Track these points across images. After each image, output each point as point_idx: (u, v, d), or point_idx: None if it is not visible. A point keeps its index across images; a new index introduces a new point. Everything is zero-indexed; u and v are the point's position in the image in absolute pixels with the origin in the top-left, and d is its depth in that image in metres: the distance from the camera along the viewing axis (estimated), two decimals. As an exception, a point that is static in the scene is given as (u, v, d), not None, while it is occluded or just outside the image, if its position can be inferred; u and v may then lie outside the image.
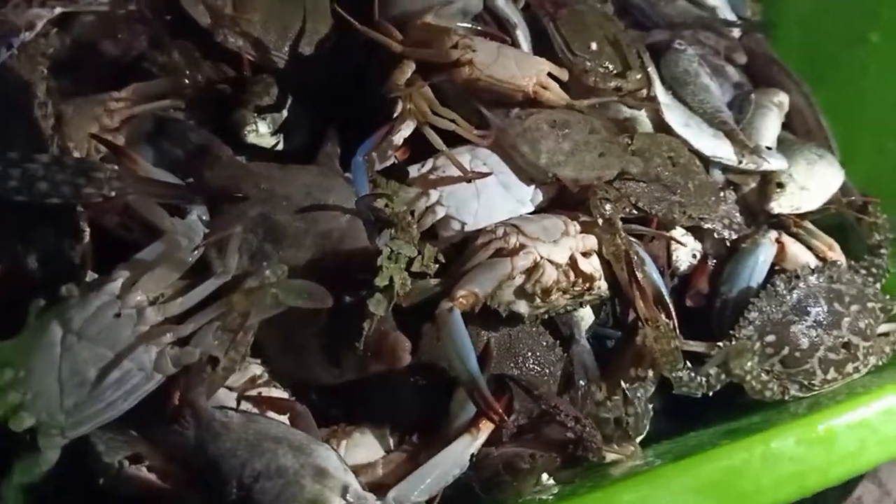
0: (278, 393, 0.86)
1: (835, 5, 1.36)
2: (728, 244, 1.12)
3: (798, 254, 1.12)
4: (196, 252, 0.81)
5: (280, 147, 1.00)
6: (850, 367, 1.03)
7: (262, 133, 0.99)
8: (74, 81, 1.00)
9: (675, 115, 1.12)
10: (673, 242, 1.10)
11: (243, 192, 0.90)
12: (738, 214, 1.14)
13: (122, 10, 1.00)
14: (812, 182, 1.17)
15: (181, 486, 0.77)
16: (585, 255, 0.94)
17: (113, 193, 0.81)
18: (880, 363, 1.07)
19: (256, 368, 0.87)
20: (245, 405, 0.83)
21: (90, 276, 0.87)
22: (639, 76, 1.10)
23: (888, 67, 1.28)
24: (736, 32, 1.37)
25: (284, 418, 0.82)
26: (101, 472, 0.77)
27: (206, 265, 0.84)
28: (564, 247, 0.92)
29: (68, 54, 1.00)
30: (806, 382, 1.02)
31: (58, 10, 0.93)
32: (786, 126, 1.32)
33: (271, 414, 0.82)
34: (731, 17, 1.38)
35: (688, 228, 1.11)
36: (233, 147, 0.97)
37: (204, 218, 0.87)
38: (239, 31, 1.00)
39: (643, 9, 1.30)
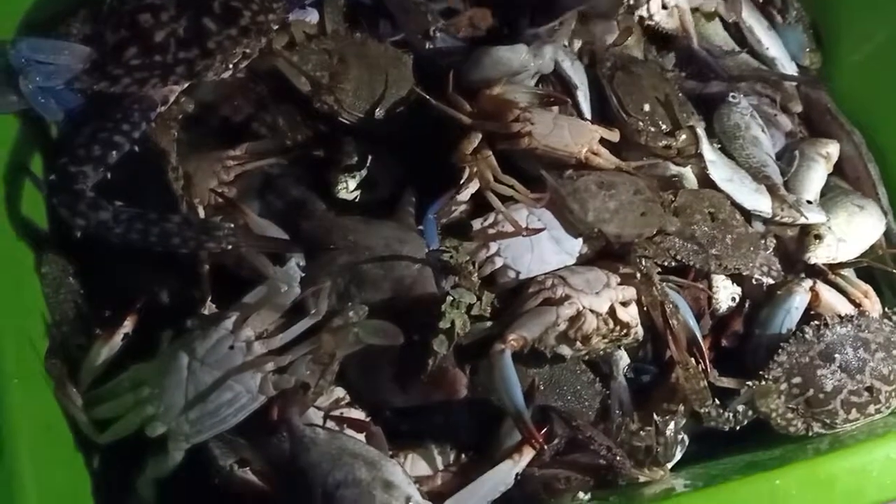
0: (357, 413, 1.03)
1: (890, 54, 1.41)
2: (765, 289, 1.23)
3: (832, 301, 1.21)
4: (293, 297, 0.99)
5: (366, 199, 1.17)
6: (871, 409, 1.13)
7: (350, 189, 1.16)
8: (195, 134, 1.20)
9: (719, 172, 1.23)
10: (715, 285, 1.22)
11: (333, 242, 1.07)
12: (776, 262, 1.23)
13: (234, 77, 1.18)
14: (850, 234, 1.26)
15: (278, 488, 0.96)
16: (624, 304, 1.07)
17: (229, 247, 1.00)
18: (903, 406, 1.17)
19: (340, 392, 1.04)
20: (330, 423, 1.01)
21: (210, 306, 1.07)
22: (686, 135, 1.21)
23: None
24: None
25: (361, 436, 1.00)
26: (215, 473, 0.97)
27: (302, 303, 1.02)
28: (605, 298, 1.05)
29: (193, 113, 1.20)
30: (829, 421, 1.12)
31: (186, 85, 1.11)
32: (838, 172, 1.41)
33: (350, 431, 1.00)
34: (791, 67, 1.45)
35: (729, 274, 1.22)
36: (325, 200, 1.15)
37: (301, 264, 1.04)
38: (334, 98, 1.16)
39: (708, 61, 1.38)
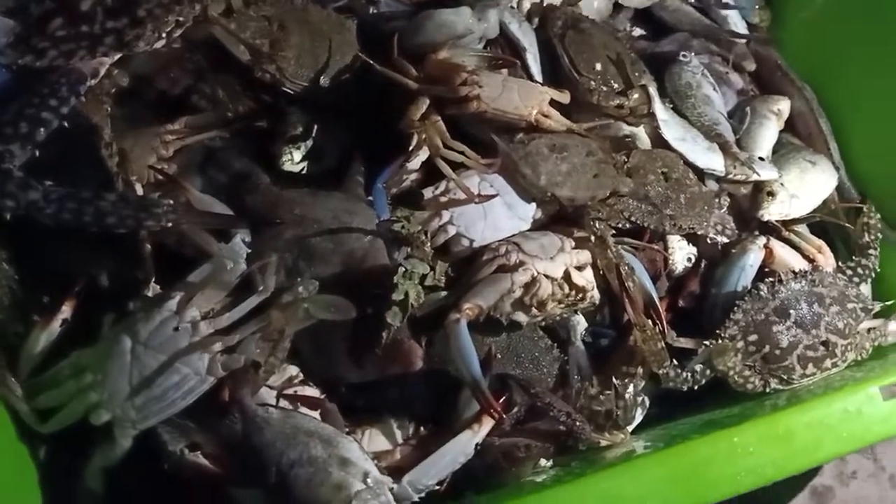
0: (311, 391, 1.00)
1: (837, 10, 1.41)
2: (720, 248, 1.22)
3: (786, 257, 1.21)
4: (239, 274, 0.96)
5: (312, 170, 1.13)
6: (828, 363, 1.13)
7: (296, 161, 1.12)
8: (131, 109, 1.15)
9: (671, 131, 1.21)
10: (670, 246, 1.22)
11: (280, 216, 1.04)
12: (731, 220, 1.23)
13: (170, 48, 1.13)
14: (803, 190, 1.26)
15: (231, 471, 0.93)
16: (579, 268, 1.06)
17: (169, 224, 0.95)
18: (860, 358, 1.17)
19: (293, 369, 1.01)
20: (283, 402, 0.98)
21: (153, 287, 1.03)
22: (639, 94, 1.20)
23: (886, 73, 1.34)
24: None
25: (316, 414, 0.97)
26: (165, 458, 0.93)
27: (249, 279, 0.99)
28: (560, 262, 1.04)
29: (127, 87, 1.15)
30: (786, 377, 1.13)
31: (117, 56, 1.05)
32: (790, 129, 1.40)
33: (305, 409, 0.97)
34: (741, 24, 1.45)
35: (684, 234, 1.21)
36: (270, 173, 1.10)
37: (246, 239, 1.01)
38: (275, 66, 1.12)
39: (663, 17, 1.38)
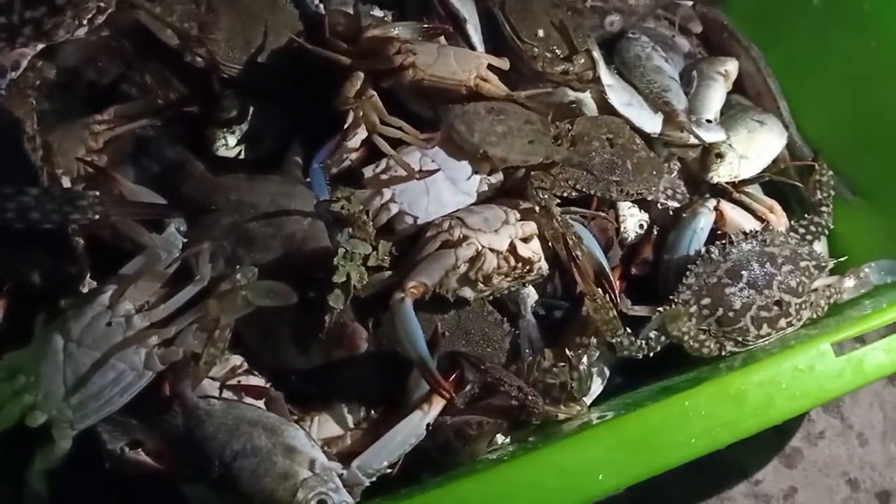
0: (256, 380, 0.98)
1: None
2: (672, 213, 1.21)
3: (737, 218, 1.20)
4: (173, 265, 0.93)
5: (249, 155, 1.11)
6: (782, 323, 1.12)
7: (231, 145, 1.09)
8: (61, 103, 1.11)
9: (617, 96, 1.19)
10: (621, 214, 1.20)
11: (216, 203, 1.01)
12: (681, 184, 1.22)
13: (97, 37, 1.10)
14: (752, 150, 1.24)
15: (174, 466, 0.90)
16: (525, 240, 1.03)
17: (97, 217, 0.93)
18: (815, 316, 1.16)
19: (237, 359, 0.99)
20: (226, 393, 0.95)
21: (89, 283, 1.00)
22: (584, 59, 1.17)
23: (832, 30, 1.33)
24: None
25: (261, 403, 0.95)
26: (106, 457, 0.91)
27: (188, 270, 0.96)
28: (504, 235, 1.02)
29: (54, 80, 1.11)
30: (741, 339, 1.11)
31: (39, 47, 1.02)
32: (740, 90, 1.39)
33: (249, 399, 0.95)
34: (686, -14, 1.43)
35: (635, 200, 1.20)
36: (205, 159, 1.08)
37: (182, 229, 0.98)
38: (205, 50, 1.08)
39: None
